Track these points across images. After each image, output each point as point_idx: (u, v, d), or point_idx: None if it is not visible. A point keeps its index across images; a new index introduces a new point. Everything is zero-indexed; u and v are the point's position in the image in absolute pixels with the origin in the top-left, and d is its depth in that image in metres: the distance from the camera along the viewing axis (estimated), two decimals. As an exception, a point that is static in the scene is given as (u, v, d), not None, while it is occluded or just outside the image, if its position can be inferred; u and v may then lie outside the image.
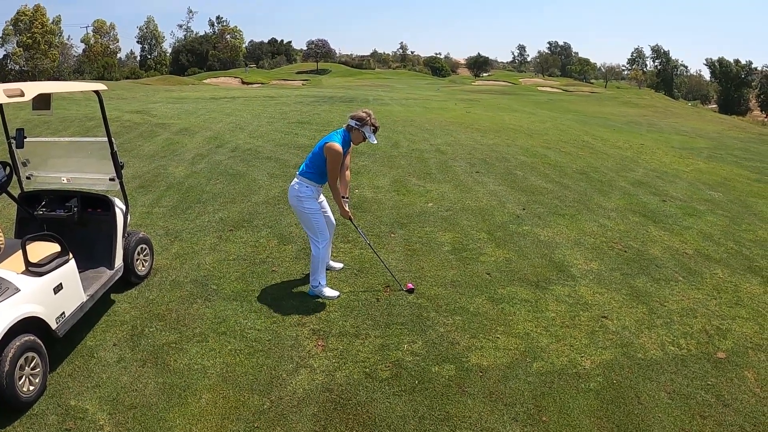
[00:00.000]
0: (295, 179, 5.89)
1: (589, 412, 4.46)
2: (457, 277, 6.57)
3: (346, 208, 6.02)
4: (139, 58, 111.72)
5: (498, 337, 5.36)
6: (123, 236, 6.00)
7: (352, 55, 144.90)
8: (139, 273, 6.26)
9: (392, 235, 7.76)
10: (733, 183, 13.57)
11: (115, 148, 5.80)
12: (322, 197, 6.11)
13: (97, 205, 5.99)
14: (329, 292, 6.04)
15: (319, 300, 5.94)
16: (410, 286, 6.22)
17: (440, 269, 6.76)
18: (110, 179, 5.98)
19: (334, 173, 5.75)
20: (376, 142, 5.95)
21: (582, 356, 5.15)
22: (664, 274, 7.04)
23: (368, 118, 5.81)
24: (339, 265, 6.67)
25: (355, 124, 5.80)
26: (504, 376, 4.81)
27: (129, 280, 6.14)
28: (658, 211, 9.79)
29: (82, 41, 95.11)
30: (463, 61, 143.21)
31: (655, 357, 5.23)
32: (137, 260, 6.24)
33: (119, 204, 6.05)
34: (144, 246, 6.41)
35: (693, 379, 4.94)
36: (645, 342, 5.46)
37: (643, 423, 4.37)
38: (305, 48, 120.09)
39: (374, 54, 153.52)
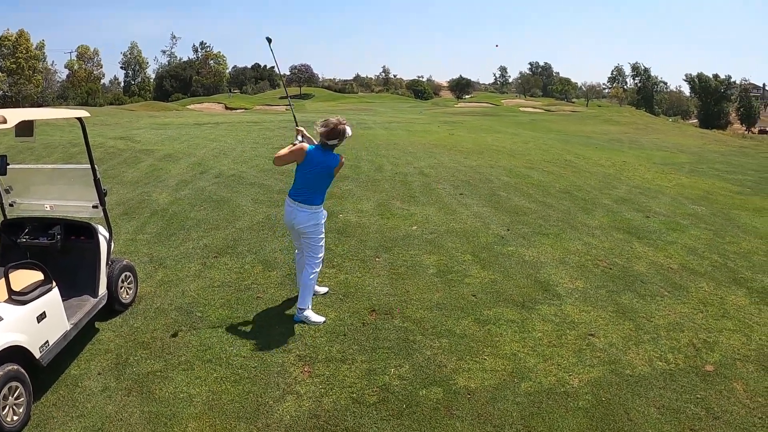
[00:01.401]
0: (310, 207, 5.89)
1: (579, 430, 4.44)
2: (443, 299, 6.55)
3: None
4: (122, 83, 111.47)
5: (485, 359, 5.33)
6: (107, 264, 5.95)
7: (335, 79, 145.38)
8: (123, 301, 6.20)
9: (377, 258, 7.74)
10: (716, 196, 13.71)
11: (99, 175, 5.78)
12: None
13: (80, 232, 5.95)
14: (315, 317, 6.01)
15: (305, 325, 5.89)
16: None
17: (426, 292, 6.74)
18: (93, 206, 5.94)
19: None
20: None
21: (570, 375, 5.14)
22: (650, 290, 7.07)
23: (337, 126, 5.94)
24: (324, 290, 6.64)
25: (338, 143, 5.96)
26: (492, 397, 4.79)
27: (113, 308, 6.07)
28: (641, 227, 9.85)
29: (66, 67, 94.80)
30: (445, 84, 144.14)
31: (643, 372, 5.24)
32: (121, 288, 6.18)
33: (103, 231, 6.01)
34: (128, 273, 6.36)
35: (682, 393, 4.95)
36: (633, 358, 5.47)
37: (633, 440, 4.36)
38: (288, 73, 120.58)
39: (357, 78, 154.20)
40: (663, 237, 9.30)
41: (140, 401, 4.72)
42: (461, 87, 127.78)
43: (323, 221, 6.05)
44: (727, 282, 7.54)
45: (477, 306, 6.40)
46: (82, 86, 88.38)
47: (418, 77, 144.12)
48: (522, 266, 7.63)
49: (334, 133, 5.84)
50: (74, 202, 6.03)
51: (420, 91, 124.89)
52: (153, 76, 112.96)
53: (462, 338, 5.69)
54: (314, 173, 5.84)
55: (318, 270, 6.08)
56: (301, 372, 5.12)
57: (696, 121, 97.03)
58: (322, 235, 6.07)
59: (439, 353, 5.42)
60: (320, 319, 6.01)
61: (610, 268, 7.71)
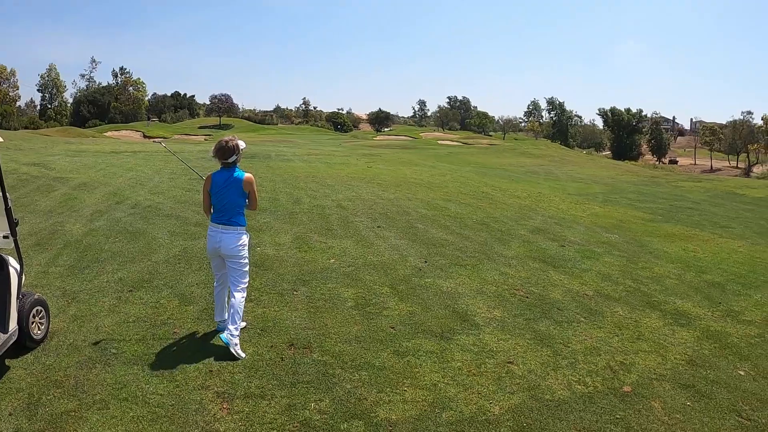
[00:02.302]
0: (235, 229, 6.00)
1: (500, 458, 4.49)
2: (362, 332, 6.53)
3: None
4: (39, 107, 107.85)
5: (405, 390, 5.33)
6: (18, 298, 5.65)
7: (255, 110, 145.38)
8: (34, 337, 5.86)
9: (295, 292, 7.66)
10: (628, 224, 14.29)
11: (10, 204, 5.52)
12: None
13: None
14: (241, 352, 5.94)
15: (223, 361, 5.75)
16: None
17: (344, 325, 6.70)
18: (4, 236, 5.65)
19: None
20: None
21: (490, 402, 5.20)
22: (566, 316, 7.27)
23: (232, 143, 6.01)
24: (242, 324, 6.52)
25: (236, 156, 5.99)
26: (413, 428, 4.78)
27: (24, 344, 5.74)
28: (557, 256, 10.15)
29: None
30: (365, 117, 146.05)
31: (562, 397, 5.35)
32: (33, 323, 5.84)
33: (13, 263, 5.71)
34: (40, 308, 6.02)
35: (602, 415, 5.08)
36: (552, 383, 5.58)
37: (554, 465, 4.44)
38: (208, 102, 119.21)
39: (277, 109, 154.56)
40: (578, 265, 9.60)
41: (53, 444, 4.48)
42: (380, 120, 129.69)
43: (248, 246, 6.15)
44: (641, 306, 7.85)
45: (396, 338, 6.41)
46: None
47: (338, 110, 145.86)
48: (440, 297, 7.71)
49: (226, 151, 5.93)
50: None
51: (340, 123, 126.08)
52: (71, 100, 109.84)
53: (381, 370, 5.68)
54: (223, 192, 5.94)
55: (245, 294, 6.15)
56: (220, 409, 4.98)
57: (609, 152, 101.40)
58: (248, 260, 6.15)
59: (359, 386, 5.38)
60: (243, 354, 5.96)
61: (527, 297, 7.89)
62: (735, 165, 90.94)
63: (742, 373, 6.05)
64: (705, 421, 5.09)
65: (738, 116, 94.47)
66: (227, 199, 5.94)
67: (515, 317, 7.15)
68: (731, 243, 12.68)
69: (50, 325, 6.27)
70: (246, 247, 6.10)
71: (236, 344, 5.92)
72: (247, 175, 5.99)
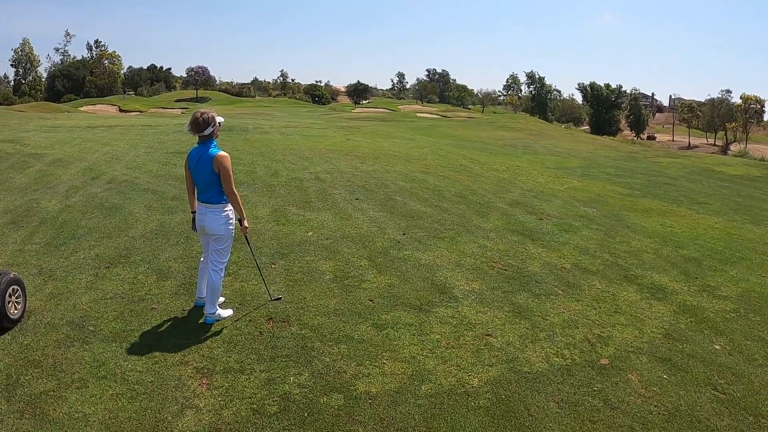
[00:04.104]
0: (216, 206, 5.88)
1: (481, 429, 4.54)
2: (340, 305, 6.54)
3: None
4: (12, 82, 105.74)
5: (384, 363, 5.36)
6: None
7: (232, 82, 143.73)
8: (11, 317, 5.79)
9: (273, 266, 7.64)
10: (606, 199, 14.38)
11: None
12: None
13: None
14: (225, 312, 6.08)
15: (202, 335, 5.74)
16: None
17: (322, 298, 6.70)
18: None
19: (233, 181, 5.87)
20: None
21: (469, 375, 5.25)
22: (544, 289, 7.33)
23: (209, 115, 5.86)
24: (221, 299, 6.50)
25: (212, 129, 5.83)
26: (393, 401, 4.82)
27: (1, 324, 5.68)
28: (535, 229, 10.20)
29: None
30: (343, 89, 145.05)
31: (540, 369, 5.42)
32: (9, 303, 5.77)
33: None
34: (16, 287, 5.94)
35: (579, 387, 5.16)
36: (530, 356, 5.64)
37: (534, 435, 4.49)
38: (185, 75, 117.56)
39: (255, 82, 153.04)
40: (556, 238, 9.66)
41: (34, 424, 4.44)
42: (359, 92, 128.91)
43: (233, 221, 6.02)
44: (618, 279, 7.94)
45: (374, 311, 6.43)
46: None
47: (316, 82, 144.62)
48: (418, 270, 7.73)
49: (200, 123, 5.76)
50: None
51: (318, 95, 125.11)
52: (45, 75, 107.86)
53: (360, 343, 5.70)
54: (196, 169, 5.85)
55: (223, 274, 6.09)
56: (199, 385, 4.98)
57: (588, 127, 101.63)
58: (230, 240, 6.08)
59: (339, 359, 5.40)
60: (230, 311, 6.17)
61: (505, 270, 7.93)
62: (713, 143, 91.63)
63: (717, 347, 6.14)
64: (681, 394, 5.18)
65: (716, 94, 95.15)
66: (200, 177, 5.84)
67: (493, 290, 7.20)
68: (708, 219, 12.82)
69: (27, 304, 6.20)
70: (229, 226, 5.97)
71: (219, 314, 6.01)
72: (219, 153, 5.76)
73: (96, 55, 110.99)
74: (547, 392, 5.06)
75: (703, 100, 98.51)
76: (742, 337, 6.42)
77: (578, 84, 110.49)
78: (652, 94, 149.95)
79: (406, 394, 4.92)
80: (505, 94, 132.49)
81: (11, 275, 5.92)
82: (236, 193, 5.86)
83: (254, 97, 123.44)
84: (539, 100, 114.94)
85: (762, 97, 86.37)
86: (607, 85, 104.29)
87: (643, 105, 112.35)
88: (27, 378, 5.01)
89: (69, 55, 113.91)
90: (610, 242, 9.78)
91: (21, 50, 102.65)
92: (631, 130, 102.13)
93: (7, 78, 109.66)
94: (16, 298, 5.95)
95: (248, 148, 18.10)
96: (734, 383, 5.42)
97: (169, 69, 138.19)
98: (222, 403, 4.75)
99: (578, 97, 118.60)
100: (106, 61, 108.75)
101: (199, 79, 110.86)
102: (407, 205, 11.33)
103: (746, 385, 5.41)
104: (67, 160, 14.76)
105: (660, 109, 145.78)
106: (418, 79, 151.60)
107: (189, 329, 5.89)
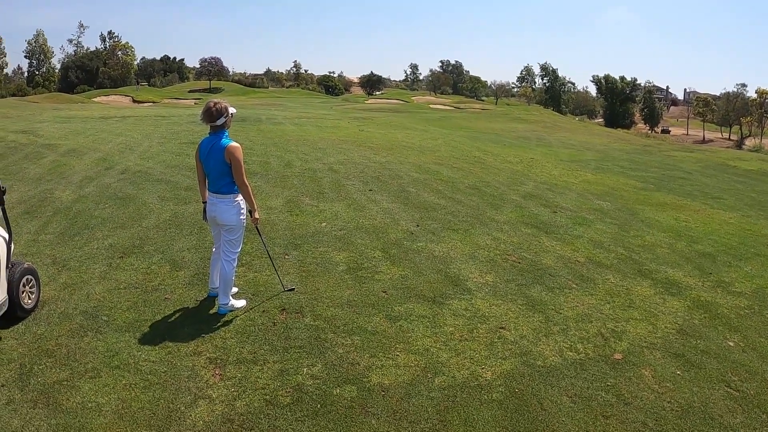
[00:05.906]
0: (227, 197, 5.84)
1: (494, 422, 4.51)
2: (354, 296, 6.52)
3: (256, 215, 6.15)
4: (26, 74, 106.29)
5: (398, 355, 5.34)
6: (7, 267, 5.58)
7: (245, 73, 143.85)
8: (25, 306, 5.81)
9: (286, 256, 7.63)
10: (620, 192, 14.30)
11: None
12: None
13: None
14: (239, 302, 6.10)
15: (215, 325, 5.74)
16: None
17: (336, 289, 6.68)
18: None
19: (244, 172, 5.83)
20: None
21: (483, 368, 5.22)
22: (558, 283, 7.28)
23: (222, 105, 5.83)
24: (234, 290, 6.51)
25: (225, 119, 5.80)
26: (406, 393, 4.80)
27: (15, 314, 5.69)
28: (549, 222, 10.14)
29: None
30: (356, 80, 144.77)
31: (554, 363, 5.38)
32: (23, 293, 5.79)
33: (2, 232, 5.64)
34: (30, 277, 5.96)
35: (593, 382, 5.11)
36: (543, 349, 5.60)
37: (547, 428, 4.46)
38: (198, 66, 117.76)
39: (268, 72, 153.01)
40: (570, 231, 9.60)
41: (47, 413, 4.45)
42: (372, 83, 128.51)
43: (244, 212, 5.99)
44: (632, 274, 7.87)
45: (388, 302, 6.41)
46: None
47: (330, 73, 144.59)
48: (432, 261, 7.70)
49: (213, 113, 5.74)
50: None
51: (331, 86, 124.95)
52: (58, 66, 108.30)
53: (374, 335, 5.68)
54: (207, 160, 5.83)
55: (236, 264, 6.09)
56: (212, 375, 4.98)
57: (602, 120, 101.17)
58: (242, 231, 6.06)
59: (352, 351, 5.39)
60: (243, 301, 6.19)
61: (519, 262, 7.88)
62: (727, 137, 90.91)
63: (731, 344, 6.08)
64: (694, 390, 5.12)
65: (732, 88, 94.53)
66: (211, 167, 5.80)
67: (507, 282, 7.16)
68: (722, 214, 12.71)
69: (41, 294, 6.22)
70: (241, 217, 5.93)
71: (232, 305, 6.04)
72: (231, 143, 5.73)
73: (109, 46, 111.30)
74: (561, 386, 5.02)
75: (718, 94, 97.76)
76: (755, 334, 6.35)
77: (592, 76, 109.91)
78: (667, 87, 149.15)
79: (419, 387, 4.89)
80: (518, 86, 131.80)
81: (25, 265, 5.94)
82: (247, 184, 5.83)
83: (267, 87, 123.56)
84: (553, 93, 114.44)
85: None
86: (622, 78, 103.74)
87: (658, 98, 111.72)
88: (40, 367, 5.03)
89: (82, 47, 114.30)
90: (624, 236, 9.71)
91: (35, 42, 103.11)
92: (645, 124, 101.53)
93: (21, 69, 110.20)
94: (30, 287, 5.96)
95: (262, 139, 18.12)
96: (748, 380, 5.35)
97: (183, 60, 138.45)
98: (235, 393, 4.74)
99: (592, 90, 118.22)
100: (120, 52, 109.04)
101: (213, 69, 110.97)
102: (421, 197, 11.29)
103: (760, 382, 5.34)
104: (81, 151, 14.84)
105: (674, 102, 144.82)
106: (431, 71, 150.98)
107: (202, 319, 5.89)
